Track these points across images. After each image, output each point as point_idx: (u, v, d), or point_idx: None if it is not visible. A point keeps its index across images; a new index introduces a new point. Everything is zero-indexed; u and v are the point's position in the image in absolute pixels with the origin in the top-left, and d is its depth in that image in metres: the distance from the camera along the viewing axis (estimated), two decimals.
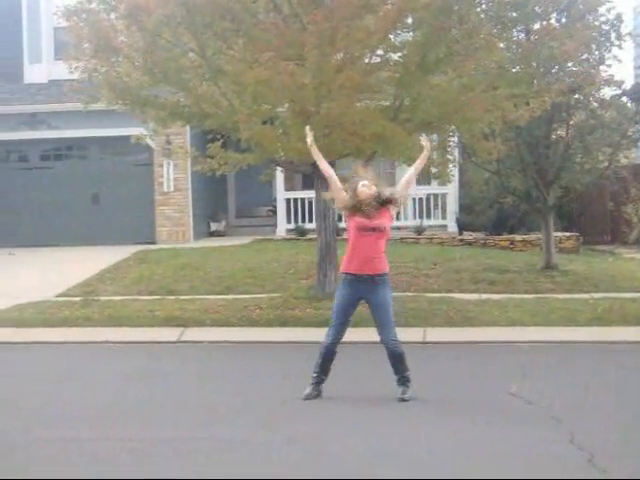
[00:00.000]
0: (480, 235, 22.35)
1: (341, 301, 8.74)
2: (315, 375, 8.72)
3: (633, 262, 19.25)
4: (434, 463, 6.59)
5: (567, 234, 22.27)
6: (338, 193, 9.05)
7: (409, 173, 9.22)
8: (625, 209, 23.62)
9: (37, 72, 23.83)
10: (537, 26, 14.56)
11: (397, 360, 8.57)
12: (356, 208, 8.70)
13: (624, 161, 20.85)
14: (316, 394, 8.65)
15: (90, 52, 13.41)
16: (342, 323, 8.72)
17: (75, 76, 14.18)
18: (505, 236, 21.96)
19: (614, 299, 14.02)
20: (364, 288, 8.61)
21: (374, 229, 8.64)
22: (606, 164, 18.05)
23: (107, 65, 13.45)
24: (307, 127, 9.70)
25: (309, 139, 9.48)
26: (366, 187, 8.69)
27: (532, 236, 21.34)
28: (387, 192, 8.81)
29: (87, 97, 14.18)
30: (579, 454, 6.65)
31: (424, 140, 9.40)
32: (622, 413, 8.03)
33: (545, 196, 17.42)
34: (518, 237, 21.78)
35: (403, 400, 8.42)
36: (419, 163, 9.21)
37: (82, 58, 13.50)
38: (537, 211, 18.30)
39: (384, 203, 8.77)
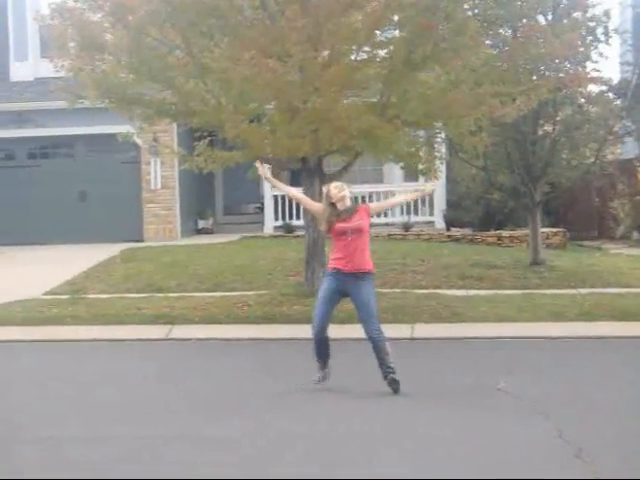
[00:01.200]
0: (467, 231, 22.39)
1: (322, 291, 9.01)
2: (318, 361, 9.01)
3: (620, 257, 19.30)
4: (422, 458, 6.63)
5: (554, 230, 22.33)
6: (313, 206, 9.61)
7: (396, 200, 9.51)
8: (612, 205, 23.69)
9: (23, 70, 23.75)
10: (524, 22, 14.61)
11: (381, 351, 8.71)
12: (333, 212, 8.97)
13: (610, 157, 20.90)
14: (324, 377, 8.94)
15: (75, 51, 13.39)
16: (320, 314, 8.90)
17: (61, 74, 14.17)
18: (492, 232, 22.01)
19: (601, 294, 14.09)
20: (348, 282, 8.84)
21: (353, 230, 8.87)
22: (592, 160, 18.09)
23: (92, 63, 13.43)
24: (257, 162, 10.09)
25: (263, 172, 9.92)
26: (338, 188, 8.99)
27: (519, 232, 21.39)
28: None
29: (73, 95, 14.16)
30: (567, 449, 6.68)
31: (428, 187, 9.59)
32: (610, 407, 8.07)
33: (532, 192, 17.44)
34: (505, 233, 21.83)
35: (395, 386, 8.59)
36: (410, 197, 9.40)
37: (67, 57, 13.48)
38: (524, 207, 18.33)
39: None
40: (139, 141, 20.68)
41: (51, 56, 14.22)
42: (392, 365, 8.67)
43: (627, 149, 23.64)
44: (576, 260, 18.36)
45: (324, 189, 9.26)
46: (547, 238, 20.69)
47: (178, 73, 13.48)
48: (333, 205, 8.99)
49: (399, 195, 9.07)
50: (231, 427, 7.56)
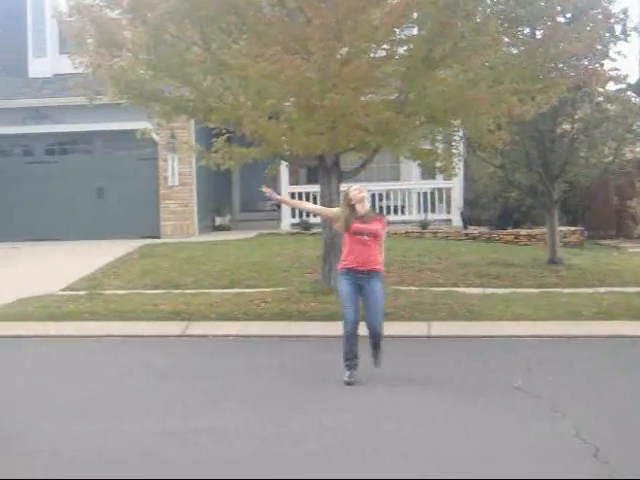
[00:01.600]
0: (485, 229, 22.35)
1: (344, 288, 9.35)
2: (346, 360, 9.26)
3: (638, 257, 19.23)
4: (439, 454, 6.65)
5: (572, 228, 22.29)
6: (331, 212, 10.12)
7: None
8: (630, 203, 23.61)
9: (42, 66, 23.81)
10: (544, 21, 14.57)
11: (375, 339, 9.25)
12: (352, 213, 9.32)
13: (629, 155, 20.82)
14: (353, 375, 9.19)
15: (93, 47, 13.42)
16: (352, 306, 9.26)
17: (80, 71, 14.20)
18: (510, 230, 21.99)
19: (619, 293, 14.04)
20: (361, 280, 9.22)
21: (369, 233, 9.25)
22: (611, 158, 18.02)
23: (110, 60, 13.45)
24: (263, 187, 10.67)
25: (271, 194, 10.53)
26: (357, 190, 9.37)
27: (537, 230, 21.36)
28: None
29: (91, 92, 14.20)
30: (584, 448, 6.68)
31: None
32: (627, 407, 8.05)
33: (550, 190, 17.40)
34: (523, 231, 21.80)
35: (377, 366, 9.30)
36: None
37: (86, 53, 13.52)
38: (542, 205, 18.29)
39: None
40: (157, 137, 20.74)
41: (70, 53, 14.27)
42: (379, 351, 9.27)
43: None
44: (594, 259, 18.32)
45: (343, 190, 9.68)
46: (565, 237, 20.65)
47: (196, 70, 13.50)
48: (352, 207, 9.30)
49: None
50: (242, 420, 7.61)
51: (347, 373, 9.11)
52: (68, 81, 15.35)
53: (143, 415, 7.94)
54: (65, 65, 17.82)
